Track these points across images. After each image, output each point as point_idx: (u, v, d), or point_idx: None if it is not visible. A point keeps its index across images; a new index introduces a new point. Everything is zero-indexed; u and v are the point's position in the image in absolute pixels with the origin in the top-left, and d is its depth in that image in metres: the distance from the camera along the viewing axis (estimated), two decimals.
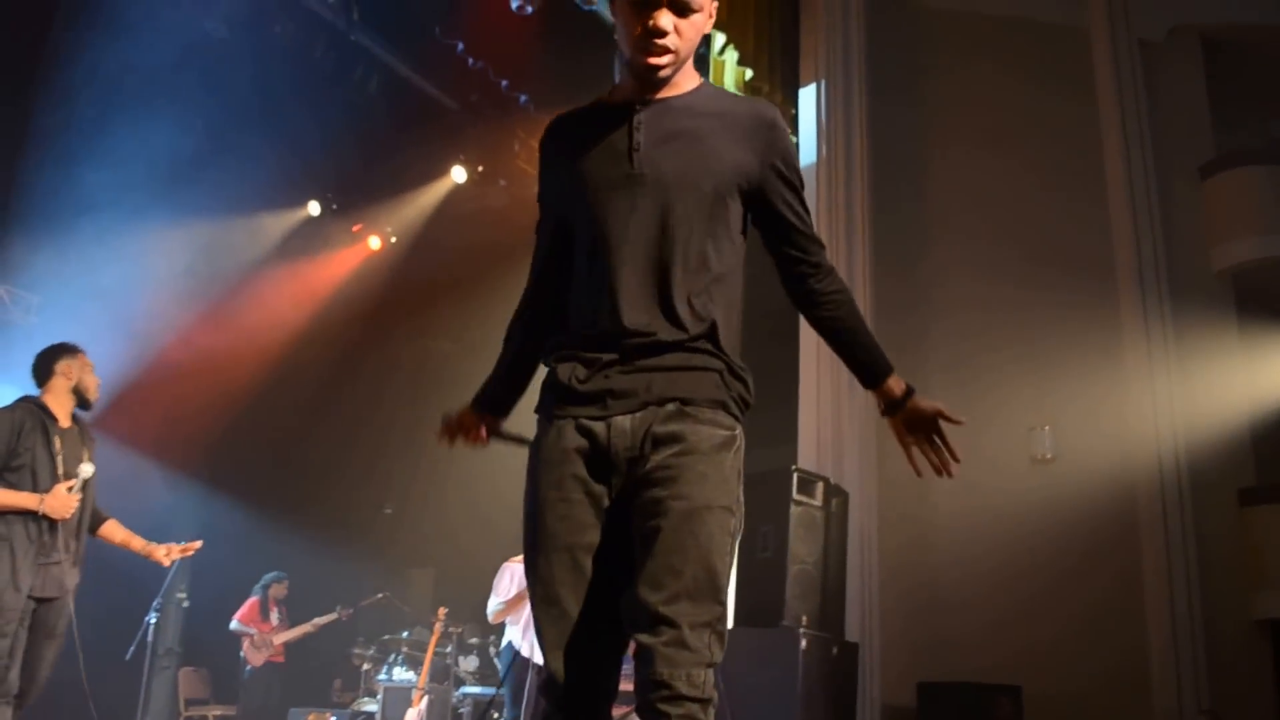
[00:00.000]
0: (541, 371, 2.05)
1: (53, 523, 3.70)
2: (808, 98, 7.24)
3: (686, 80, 2.00)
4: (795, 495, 5.33)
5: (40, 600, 3.73)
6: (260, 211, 9.51)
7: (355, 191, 9.87)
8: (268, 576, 8.16)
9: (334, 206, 9.99)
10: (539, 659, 5.14)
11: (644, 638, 1.70)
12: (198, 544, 4.26)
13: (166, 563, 4.18)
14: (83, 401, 3.95)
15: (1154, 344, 6.61)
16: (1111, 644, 6.20)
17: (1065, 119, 7.17)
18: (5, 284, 9.33)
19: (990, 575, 6.52)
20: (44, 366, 3.89)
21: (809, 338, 6.66)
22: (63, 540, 3.75)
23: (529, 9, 6.93)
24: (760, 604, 5.26)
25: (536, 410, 1.99)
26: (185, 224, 8.63)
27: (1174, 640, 6.05)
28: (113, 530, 4.16)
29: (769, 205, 2.02)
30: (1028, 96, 7.23)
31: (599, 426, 1.86)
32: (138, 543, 4.16)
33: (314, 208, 9.91)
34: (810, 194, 6.84)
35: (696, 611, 1.71)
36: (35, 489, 3.68)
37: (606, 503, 1.86)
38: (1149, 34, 7.29)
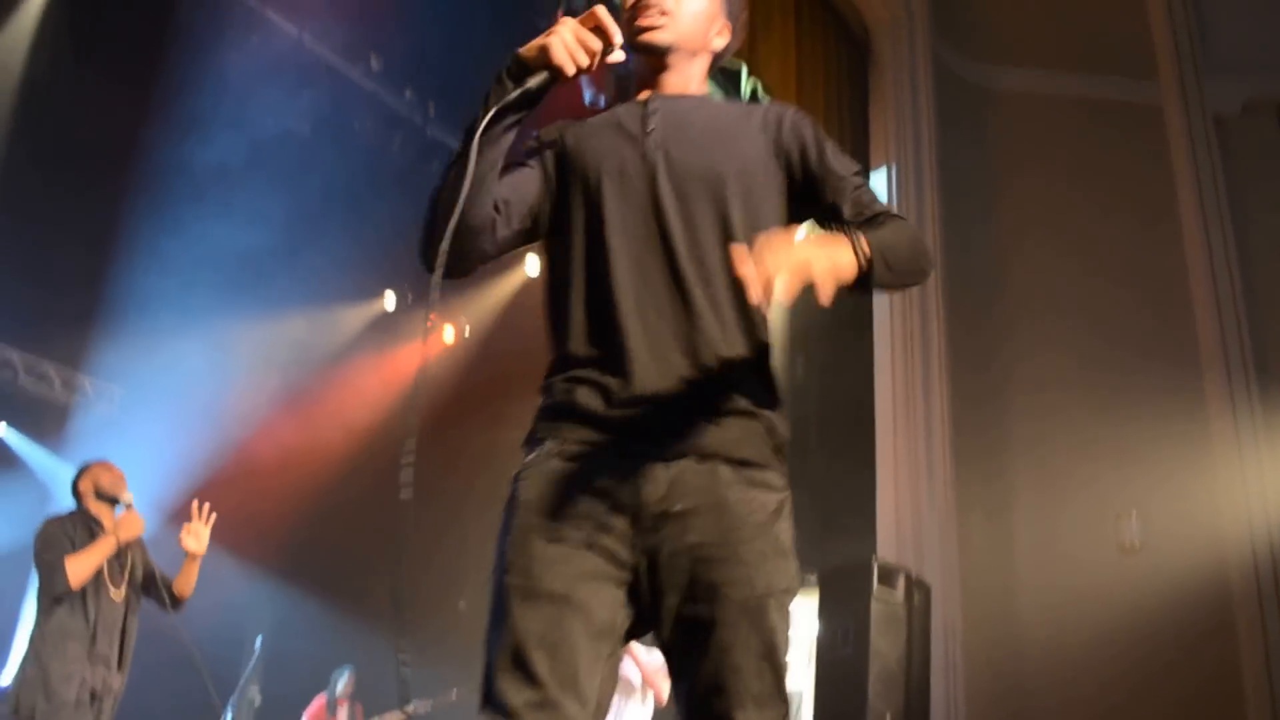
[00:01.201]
0: None
1: (97, 618, 3.67)
2: (878, 182, 7.23)
3: (698, 86, 1.91)
4: (876, 589, 5.18)
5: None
6: (337, 305, 9.67)
7: (430, 284, 9.95)
8: (336, 673, 8.08)
9: (409, 299, 10.12)
10: None
11: None
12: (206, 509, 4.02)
13: (193, 546, 3.98)
14: (112, 499, 4.00)
15: (1242, 426, 6.40)
16: None
17: (1142, 198, 7.07)
18: (90, 375, 9.58)
19: (1079, 670, 6.26)
20: (72, 491, 4.01)
21: (885, 424, 6.55)
22: (105, 637, 3.71)
23: (602, 101, 7.04)
24: (841, 704, 5.10)
25: (530, 441, 1.73)
26: (265, 318, 8.81)
27: None
28: (179, 583, 4.03)
29: (806, 172, 1.83)
30: (1102, 177, 7.16)
31: (624, 467, 1.63)
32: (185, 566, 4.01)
33: (390, 301, 10.03)
34: None
35: (763, 716, 1.55)
36: (84, 594, 3.66)
37: (627, 564, 1.62)
38: (1223, 109, 7.19)
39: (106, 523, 3.91)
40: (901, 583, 5.80)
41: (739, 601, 1.57)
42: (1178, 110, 7.16)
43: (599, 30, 1.67)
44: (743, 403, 1.67)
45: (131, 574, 3.90)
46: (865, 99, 7.37)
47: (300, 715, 7.86)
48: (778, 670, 1.58)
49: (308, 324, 9.47)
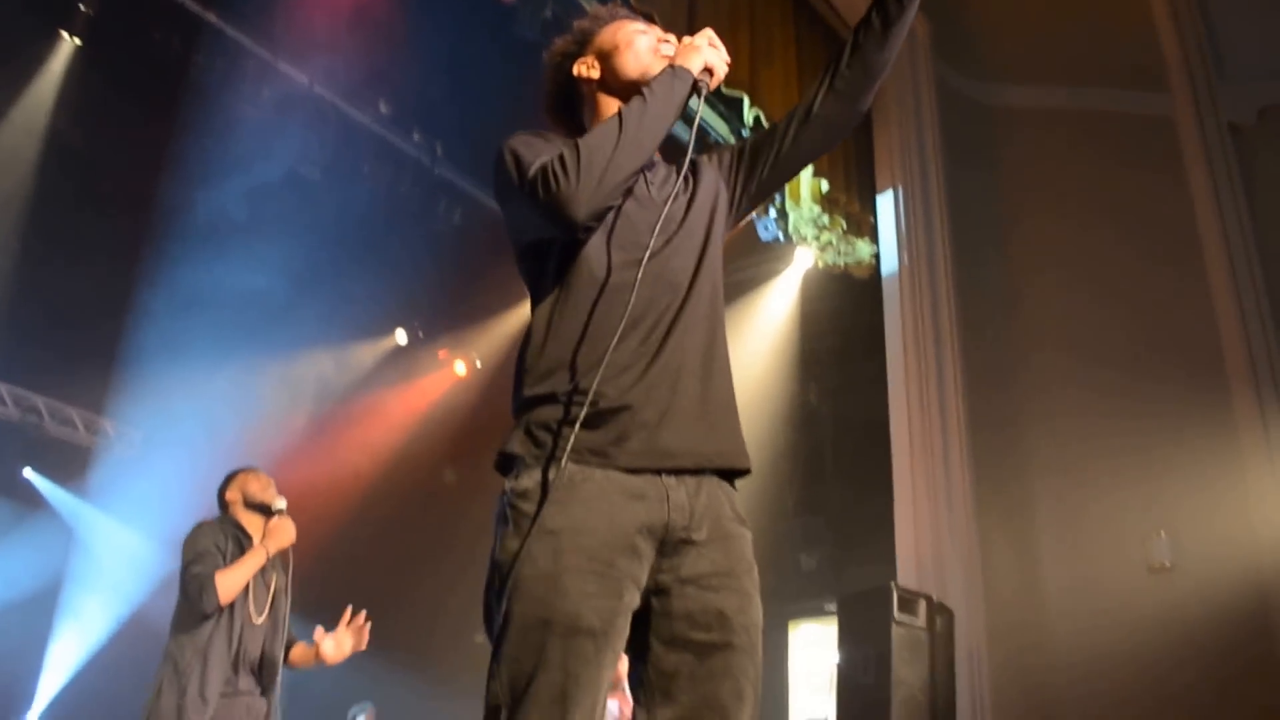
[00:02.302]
0: None
1: (238, 646, 3.44)
2: (885, 204, 7.18)
3: None
4: (897, 615, 5.10)
5: None
6: (350, 343, 9.75)
7: (441, 319, 10.08)
8: (354, 708, 8.07)
9: (420, 335, 10.20)
10: None
11: None
12: (360, 618, 3.76)
13: (330, 653, 3.67)
14: (263, 509, 3.71)
15: (1274, 440, 6.23)
16: None
17: (1158, 212, 6.96)
18: (110, 419, 9.68)
19: (1109, 695, 6.11)
20: (219, 500, 3.79)
21: (901, 446, 6.46)
22: (245, 663, 3.46)
23: None
24: None
25: (532, 457, 1.69)
26: (280, 358, 8.89)
27: None
28: (300, 653, 3.77)
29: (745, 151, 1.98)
30: (1117, 191, 7.06)
31: (653, 489, 1.64)
32: (313, 652, 3.72)
33: (401, 336, 10.11)
34: (892, 303, 6.76)
35: None
36: (231, 613, 3.43)
37: (642, 586, 1.62)
38: (1239, 118, 7.09)
39: (254, 534, 3.61)
40: (923, 608, 5.70)
41: (742, 630, 1.62)
42: (1192, 121, 7.05)
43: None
44: (738, 438, 1.76)
45: (275, 597, 3.59)
46: (870, 123, 7.34)
47: None
48: (758, 699, 1.62)
49: (322, 362, 9.54)
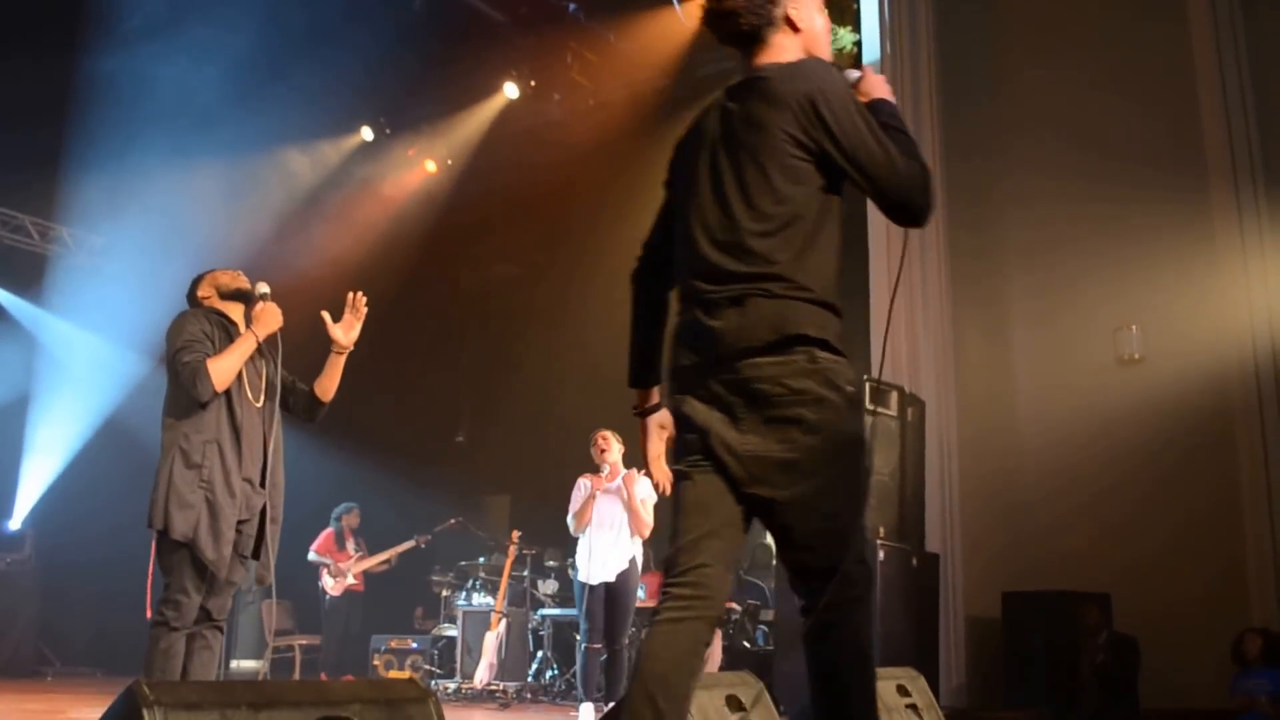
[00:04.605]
0: None
1: (241, 427, 3.34)
2: None
3: None
4: (869, 405, 5.16)
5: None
6: (313, 140, 9.44)
7: (407, 114, 9.74)
8: (340, 508, 8.25)
9: (387, 131, 9.89)
10: (592, 579, 5.31)
11: None
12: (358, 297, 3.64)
13: (342, 337, 3.60)
14: (243, 295, 3.54)
15: (1248, 236, 6.21)
16: (1206, 551, 5.95)
17: (1147, 4, 6.70)
18: (69, 227, 9.44)
19: (1076, 482, 6.31)
20: (190, 303, 3.61)
21: (879, 242, 6.41)
22: (249, 450, 3.37)
23: None
24: None
25: (838, 348, 1.96)
26: (239, 157, 8.60)
27: (1274, 546, 5.77)
28: (323, 382, 3.66)
29: None
30: None
31: None
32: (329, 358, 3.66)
33: (367, 133, 9.82)
34: None
35: None
36: (228, 400, 3.32)
37: None
38: None
39: (239, 322, 3.46)
40: (895, 399, 5.80)
41: None
42: None
43: None
44: None
45: (269, 382, 3.50)
46: None
47: (307, 550, 8.05)
48: None
49: (284, 159, 9.25)
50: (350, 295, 3.64)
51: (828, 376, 1.88)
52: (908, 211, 1.97)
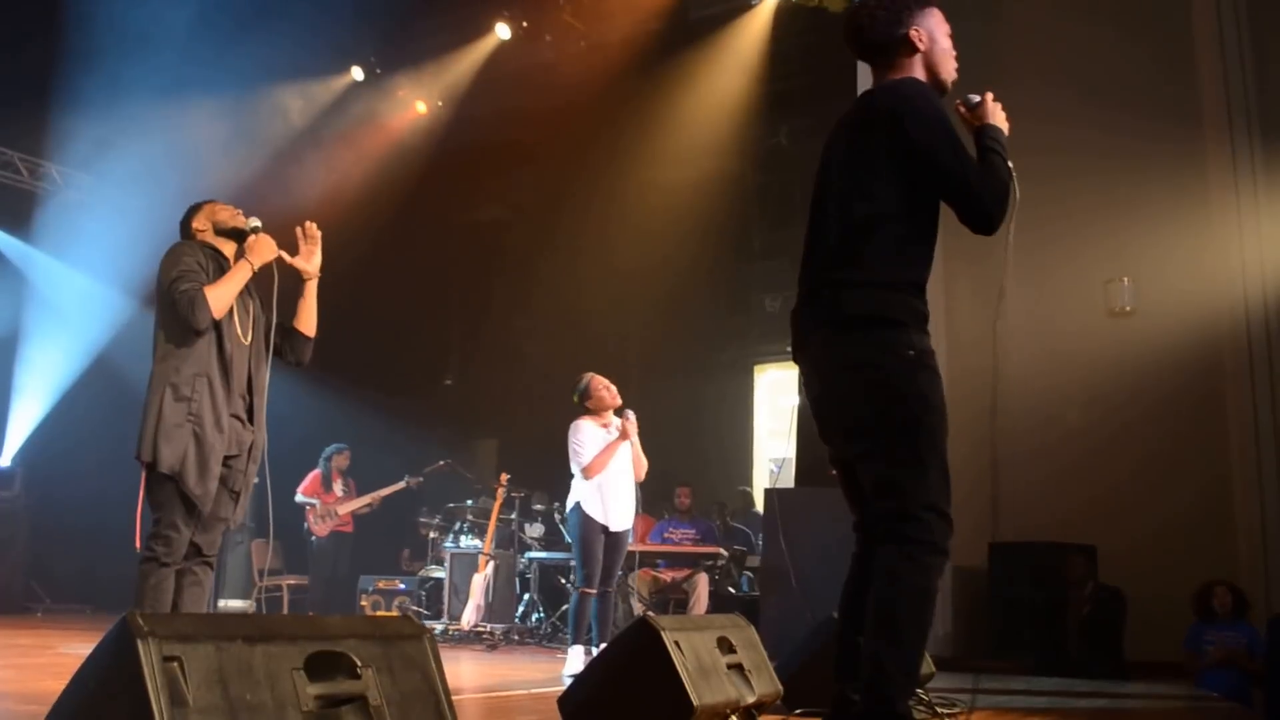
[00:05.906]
0: None
1: (230, 360, 3.32)
2: None
3: None
4: None
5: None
6: (304, 78, 9.29)
7: (398, 54, 9.58)
8: (329, 449, 8.25)
9: (377, 70, 9.74)
10: (612, 522, 5.16)
11: None
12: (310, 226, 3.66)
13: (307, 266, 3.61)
14: (236, 233, 3.49)
15: (1242, 189, 6.19)
16: (1194, 504, 6.00)
17: None
18: (58, 165, 9.31)
19: (1065, 434, 6.33)
20: (184, 233, 3.59)
21: None
22: (236, 384, 3.34)
23: None
24: (818, 462, 5.15)
25: (900, 320, 2.30)
26: (228, 95, 8.47)
27: (1260, 500, 5.82)
28: (301, 315, 3.67)
29: None
30: None
31: None
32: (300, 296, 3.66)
33: (357, 73, 9.67)
34: None
35: None
36: (217, 332, 3.30)
37: None
38: None
39: (230, 258, 3.44)
40: None
41: None
42: None
43: None
44: None
45: (255, 319, 3.49)
46: None
47: (295, 490, 8.07)
48: None
49: (274, 99, 9.12)
50: (299, 228, 3.63)
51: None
52: (976, 219, 2.30)
